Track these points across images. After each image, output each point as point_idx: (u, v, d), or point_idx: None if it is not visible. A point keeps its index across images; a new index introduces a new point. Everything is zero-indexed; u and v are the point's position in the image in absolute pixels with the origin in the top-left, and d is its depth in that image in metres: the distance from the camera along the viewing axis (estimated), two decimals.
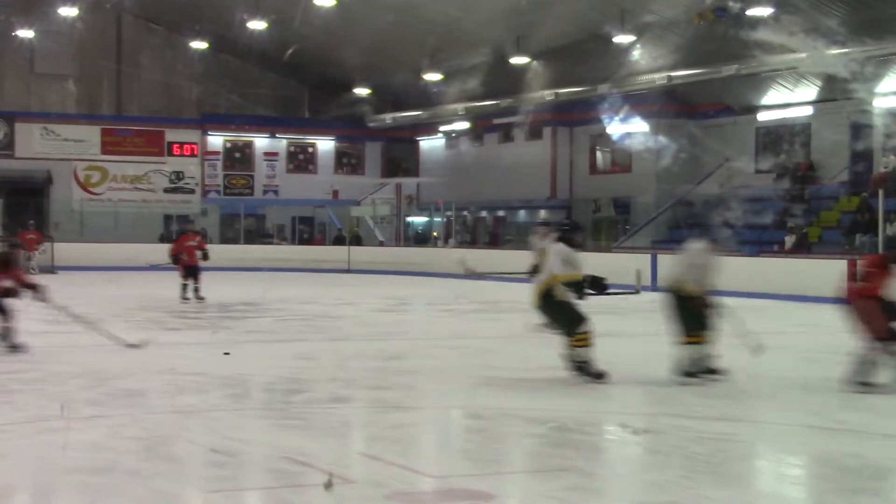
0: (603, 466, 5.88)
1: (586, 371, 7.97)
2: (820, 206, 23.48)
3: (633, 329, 12.47)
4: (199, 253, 15.87)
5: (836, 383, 7.72)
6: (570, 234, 8.32)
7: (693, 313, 8.04)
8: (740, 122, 26.56)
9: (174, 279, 17.83)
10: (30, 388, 8.30)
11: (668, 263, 11.01)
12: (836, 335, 8.90)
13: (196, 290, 15.75)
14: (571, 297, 7.88)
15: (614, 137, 28.56)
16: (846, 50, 20.26)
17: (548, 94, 27.06)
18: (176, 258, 16.30)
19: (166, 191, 33.23)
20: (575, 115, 28.76)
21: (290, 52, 30.72)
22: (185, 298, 15.92)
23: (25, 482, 5.27)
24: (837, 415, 7.12)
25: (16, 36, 29.70)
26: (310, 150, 35.92)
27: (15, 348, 9.22)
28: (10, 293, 9.95)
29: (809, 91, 25.01)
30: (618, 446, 6.68)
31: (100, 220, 30.95)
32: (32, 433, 6.36)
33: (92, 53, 31.86)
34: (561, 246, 7.95)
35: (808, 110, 25.32)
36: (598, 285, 8.20)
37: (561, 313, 7.91)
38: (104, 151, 32.76)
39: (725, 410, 7.44)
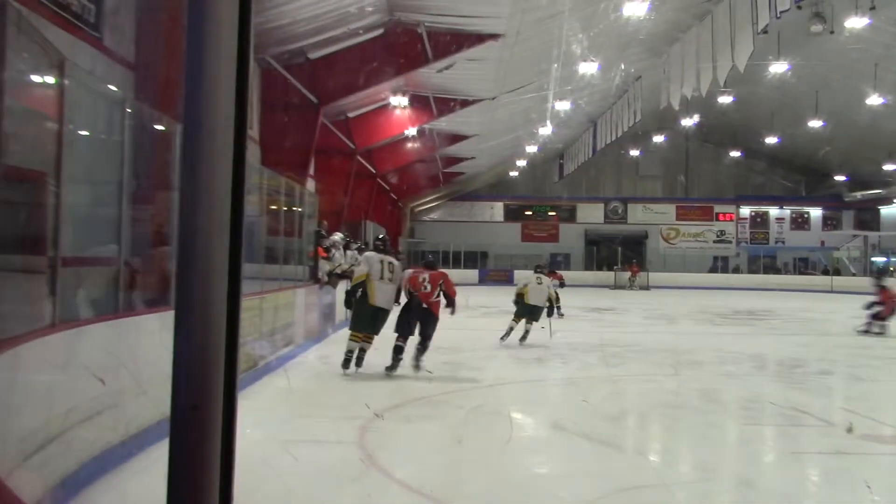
0: None
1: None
2: None
3: None
4: None
5: None
6: None
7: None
8: None
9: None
10: (636, 356, 9.76)
11: None
12: None
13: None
14: None
15: None
16: None
17: None
18: None
19: (714, 242, 42.61)
20: None
21: (790, 154, 36.77)
22: None
23: (636, 406, 7.08)
24: None
25: (628, 153, 39.32)
26: (805, 215, 43.16)
27: None
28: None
29: None
30: None
31: (674, 260, 39.63)
32: (638, 383, 8.17)
33: (670, 161, 41.24)
34: None
35: None
36: None
37: None
38: (677, 218, 42.68)
39: None
